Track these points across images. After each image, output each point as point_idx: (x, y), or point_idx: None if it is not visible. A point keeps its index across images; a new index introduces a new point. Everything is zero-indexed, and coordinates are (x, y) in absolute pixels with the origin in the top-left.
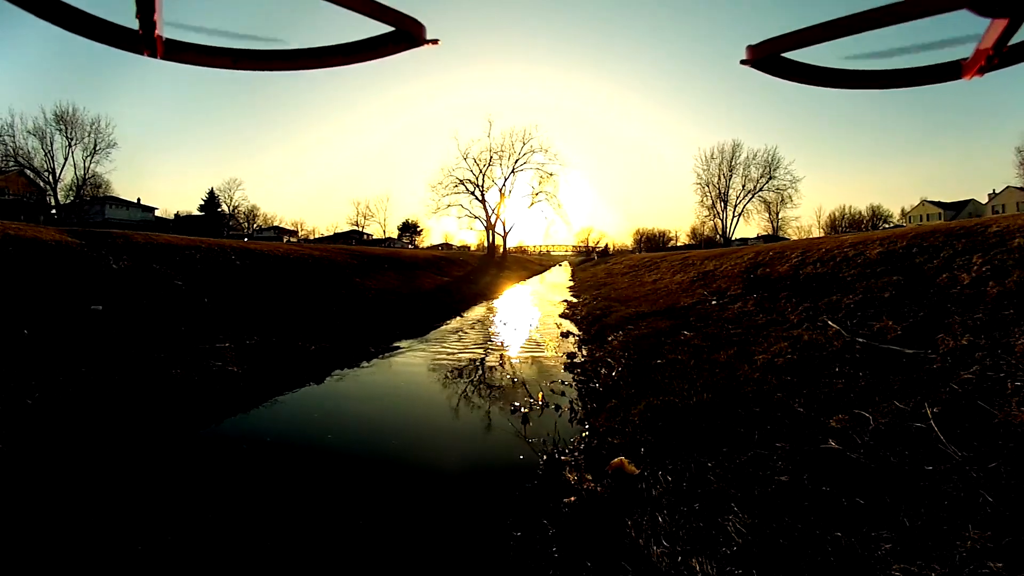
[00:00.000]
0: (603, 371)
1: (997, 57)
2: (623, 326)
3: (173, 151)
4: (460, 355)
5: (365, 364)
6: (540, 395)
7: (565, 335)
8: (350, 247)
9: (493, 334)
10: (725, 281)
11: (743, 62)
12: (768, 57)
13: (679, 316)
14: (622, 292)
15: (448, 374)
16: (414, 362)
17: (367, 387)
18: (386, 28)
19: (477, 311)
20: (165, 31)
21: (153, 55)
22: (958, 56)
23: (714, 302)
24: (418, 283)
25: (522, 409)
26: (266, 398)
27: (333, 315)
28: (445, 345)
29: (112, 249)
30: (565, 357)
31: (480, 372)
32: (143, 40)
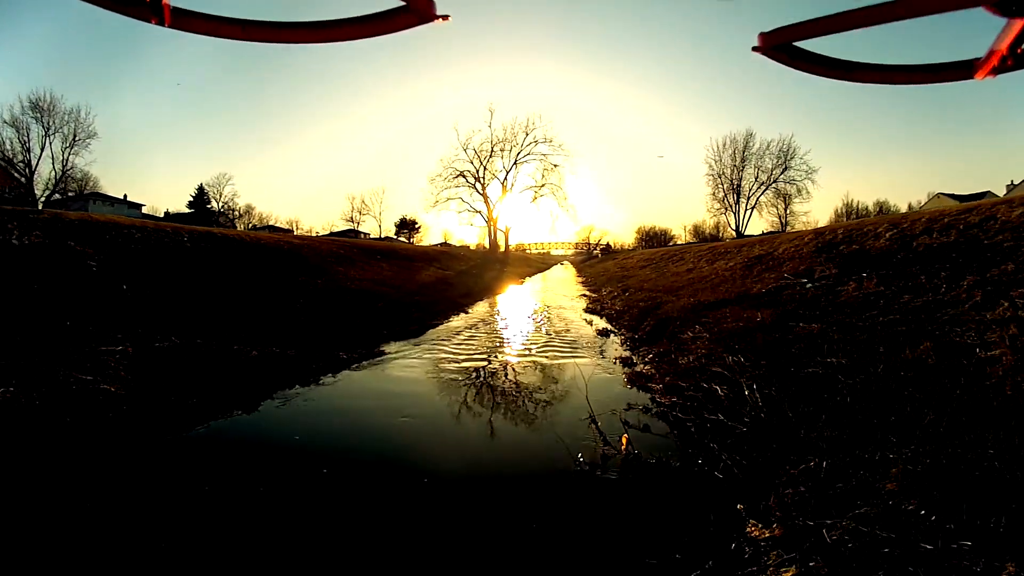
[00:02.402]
0: (722, 391)
1: (1011, 59)
2: (696, 320)
3: (171, 151)
4: (468, 364)
5: (328, 379)
6: (624, 440)
7: (603, 334)
8: (340, 239)
9: (510, 334)
10: (797, 263)
11: (755, 49)
12: (781, 46)
13: (767, 304)
14: (655, 283)
15: (452, 396)
16: (402, 376)
17: (321, 422)
18: (397, 2)
19: (484, 306)
20: None
21: (161, 23)
22: (970, 55)
23: (808, 285)
24: (414, 276)
25: (595, 470)
26: (147, 442)
27: (297, 311)
28: (448, 349)
29: (25, 224)
30: (619, 365)
31: (502, 391)
32: (150, 7)
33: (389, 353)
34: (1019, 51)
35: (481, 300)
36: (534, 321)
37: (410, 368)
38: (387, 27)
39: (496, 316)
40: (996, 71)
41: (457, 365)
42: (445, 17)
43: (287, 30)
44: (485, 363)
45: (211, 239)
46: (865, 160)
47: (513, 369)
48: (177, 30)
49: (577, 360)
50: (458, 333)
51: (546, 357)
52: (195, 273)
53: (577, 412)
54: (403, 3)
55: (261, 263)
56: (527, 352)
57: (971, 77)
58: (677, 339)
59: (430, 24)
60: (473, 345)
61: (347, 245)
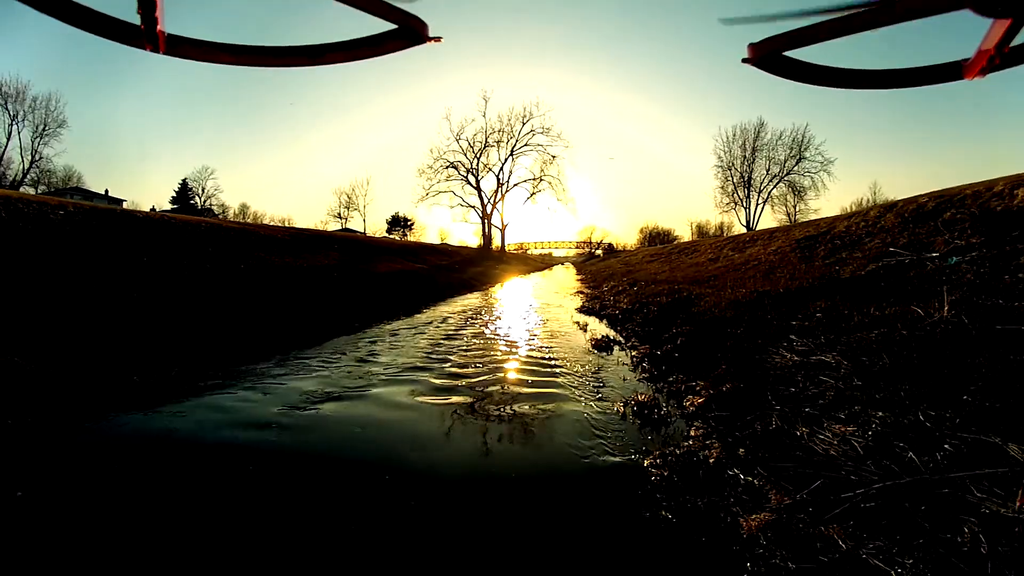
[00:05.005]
0: None
1: (999, 58)
2: (780, 323)
3: (173, 152)
4: (332, 410)
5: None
6: None
7: (602, 347)
8: (289, 227)
9: (454, 350)
10: (885, 236)
11: (745, 60)
12: (770, 55)
13: (891, 292)
14: (671, 275)
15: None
16: (195, 433)
17: None
18: (388, 25)
19: (453, 304)
20: (167, 26)
21: (155, 50)
22: (959, 56)
23: (953, 260)
24: (371, 266)
25: None
26: None
27: (133, 303)
28: (336, 371)
29: None
30: (635, 424)
31: (367, 493)
32: (145, 35)
33: (230, 377)
34: (1006, 50)
35: (455, 296)
36: (504, 327)
37: (237, 413)
38: (380, 50)
39: (452, 319)
40: (985, 71)
41: (313, 413)
42: (438, 39)
43: (279, 55)
44: (379, 407)
45: (94, 214)
46: (860, 164)
47: (423, 420)
48: (172, 57)
49: (554, 406)
50: (384, 339)
51: (495, 390)
52: (35, 254)
53: None
54: (394, 27)
55: (146, 243)
56: (468, 380)
57: (961, 78)
58: (760, 366)
59: (423, 46)
60: (379, 368)
61: (294, 232)
